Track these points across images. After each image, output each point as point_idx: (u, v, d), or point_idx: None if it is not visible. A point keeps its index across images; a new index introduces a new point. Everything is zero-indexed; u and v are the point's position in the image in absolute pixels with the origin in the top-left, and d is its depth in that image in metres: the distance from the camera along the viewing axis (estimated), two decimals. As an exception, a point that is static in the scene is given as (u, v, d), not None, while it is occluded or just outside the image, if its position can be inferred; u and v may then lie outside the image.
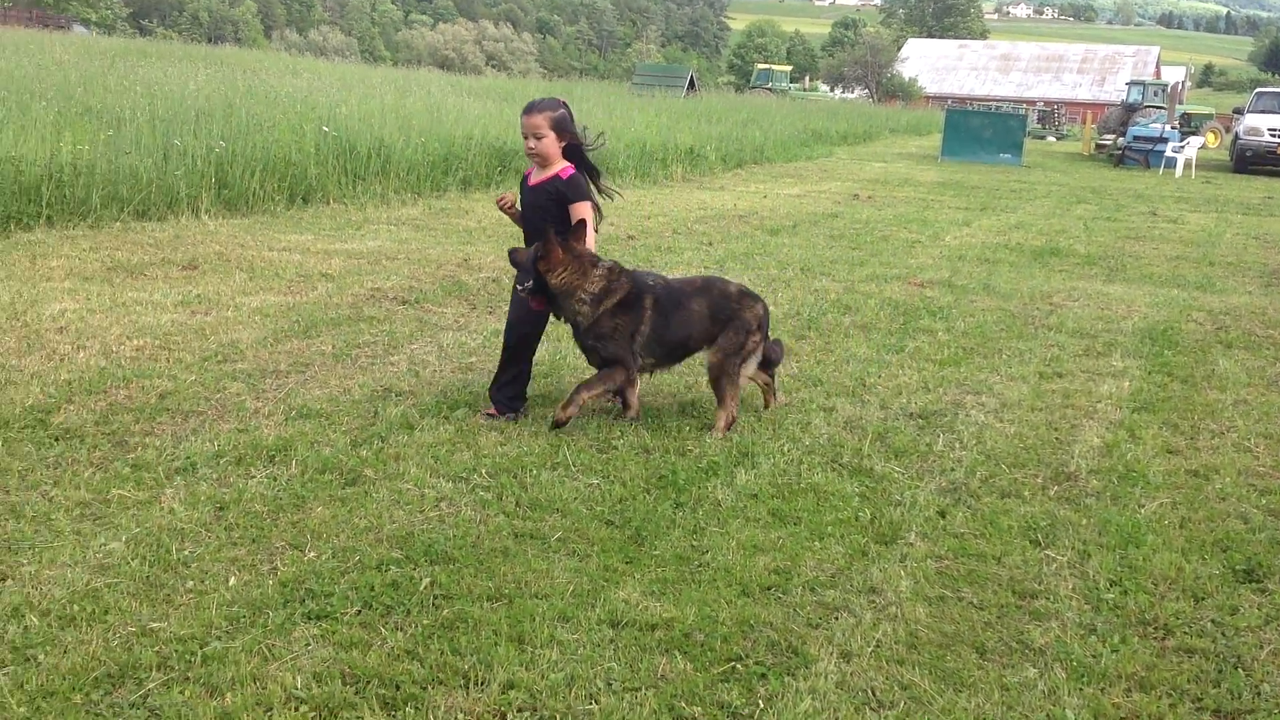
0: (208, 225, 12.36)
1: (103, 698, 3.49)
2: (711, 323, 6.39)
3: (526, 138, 6.24)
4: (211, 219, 12.70)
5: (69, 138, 12.73)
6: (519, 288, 6.24)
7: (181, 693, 3.52)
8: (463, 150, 18.00)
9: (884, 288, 11.10)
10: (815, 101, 60.76)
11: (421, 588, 4.28)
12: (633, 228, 14.64)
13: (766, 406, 6.87)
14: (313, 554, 4.54)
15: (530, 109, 6.25)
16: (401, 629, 3.99)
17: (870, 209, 18.67)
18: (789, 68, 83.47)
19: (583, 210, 6.24)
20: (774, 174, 25.56)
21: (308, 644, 3.85)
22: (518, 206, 6.52)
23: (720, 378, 6.39)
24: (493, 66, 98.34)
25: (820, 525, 5.11)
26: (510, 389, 6.45)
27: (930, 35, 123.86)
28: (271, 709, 3.49)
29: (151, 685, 3.56)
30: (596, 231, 6.37)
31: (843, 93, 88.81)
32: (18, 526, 4.62)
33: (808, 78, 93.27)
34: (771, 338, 6.87)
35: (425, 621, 4.04)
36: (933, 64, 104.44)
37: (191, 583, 4.25)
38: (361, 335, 8.04)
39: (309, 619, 4.02)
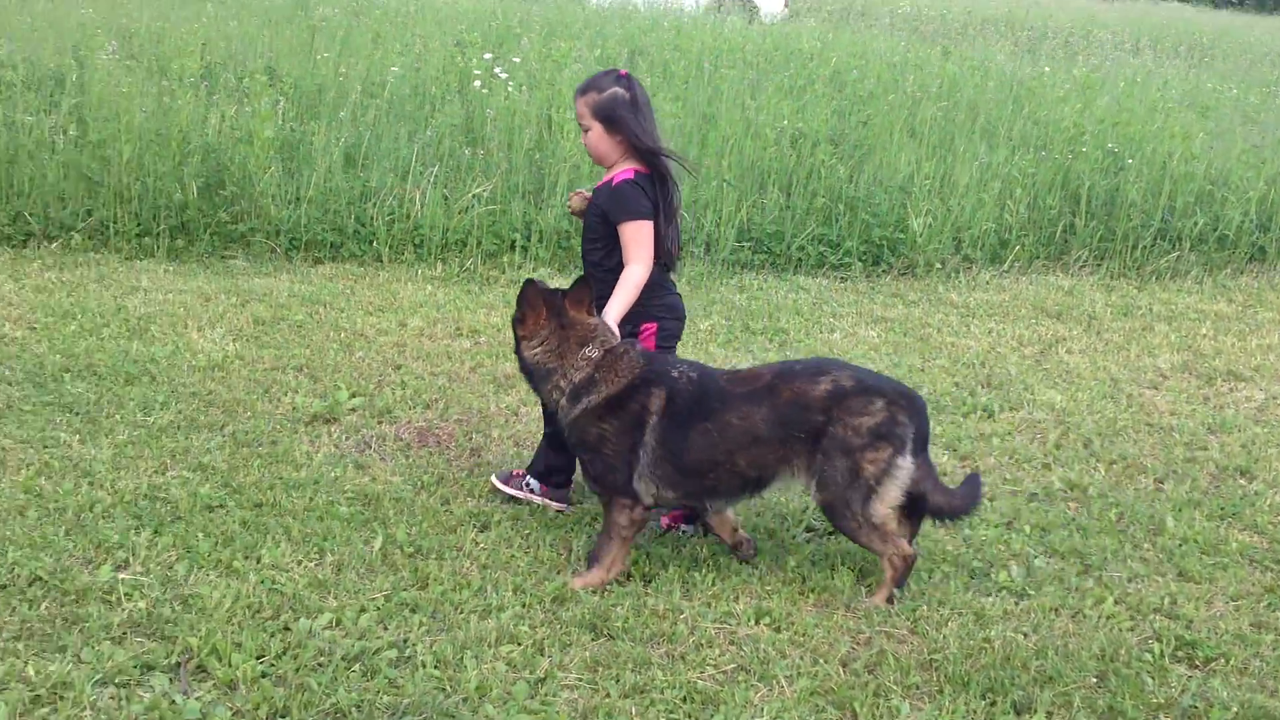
0: None
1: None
2: (780, 441, 4.09)
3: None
4: None
5: None
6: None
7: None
8: None
9: None
10: None
11: None
12: None
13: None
14: None
15: (577, 90, 4.50)
16: None
17: None
18: None
19: (631, 234, 4.32)
20: None
21: None
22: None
23: (845, 526, 4.12)
24: None
25: None
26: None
27: None
28: None
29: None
30: (666, 265, 4.49)
31: None
32: None
33: None
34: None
35: None
36: None
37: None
38: None
39: None
